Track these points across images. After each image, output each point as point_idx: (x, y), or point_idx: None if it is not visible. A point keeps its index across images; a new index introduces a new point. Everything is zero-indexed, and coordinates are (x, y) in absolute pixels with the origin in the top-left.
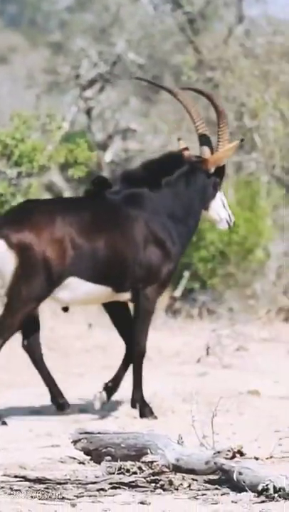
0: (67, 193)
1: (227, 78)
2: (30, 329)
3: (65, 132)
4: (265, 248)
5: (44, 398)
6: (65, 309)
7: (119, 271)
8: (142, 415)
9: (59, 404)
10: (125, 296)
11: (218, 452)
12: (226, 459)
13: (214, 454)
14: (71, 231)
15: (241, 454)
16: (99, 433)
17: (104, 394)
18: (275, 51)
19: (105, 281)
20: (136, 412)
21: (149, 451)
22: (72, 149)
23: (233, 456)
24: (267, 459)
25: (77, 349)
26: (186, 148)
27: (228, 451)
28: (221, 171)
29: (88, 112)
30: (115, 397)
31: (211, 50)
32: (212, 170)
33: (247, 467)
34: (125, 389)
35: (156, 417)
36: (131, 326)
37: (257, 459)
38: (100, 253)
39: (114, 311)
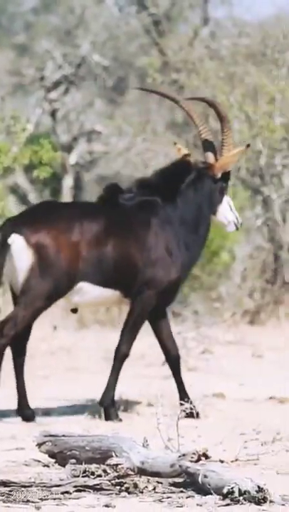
0: (32, 195)
1: (192, 80)
2: (24, 333)
3: (30, 134)
4: (231, 251)
5: (8, 401)
6: (74, 311)
7: (129, 277)
8: (107, 417)
9: (24, 415)
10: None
11: (184, 455)
12: (191, 461)
13: (179, 456)
14: (86, 236)
15: (206, 456)
16: (63, 436)
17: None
18: (240, 53)
19: (115, 286)
20: (102, 414)
21: (113, 454)
22: (37, 150)
23: (198, 459)
24: (232, 461)
25: (42, 351)
26: (188, 154)
27: (193, 454)
28: (226, 176)
29: (53, 113)
30: (80, 400)
31: (176, 52)
32: (219, 175)
33: (212, 470)
34: (90, 392)
35: (120, 420)
36: (170, 336)
37: (222, 461)
38: (111, 259)
39: (156, 320)
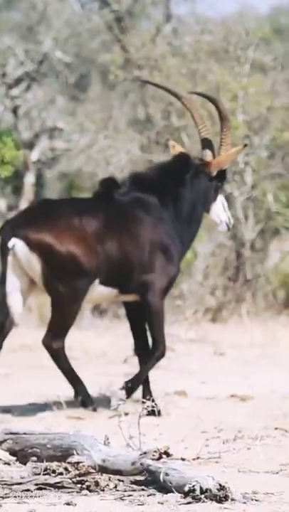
0: None
1: (154, 77)
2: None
3: None
4: (192, 248)
5: None
6: None
7: (127, 273)
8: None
9: None
10: (130, 297)
11: (145, 453)
12: (153, 459)
13: (141, 454)
14: (87, 233)
15: (168, 454)
16: (25, 433)
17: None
18: (202, 50)
19: (113, 283)
20: (63, 412)
21: (75, 452)
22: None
23: (160, 457)
24: (193, 459)
25: (3, 349)
26: (184, 152)
27: (155, 452)
28: (222, 175)
29: (15, 110)
30: (41, 398)
31: (139, 49)
32: (214, 173)
33: (173, 468)
34: (52, 389)
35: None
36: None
37: (183, 459)
38: (111, 255)
39: (137, 315)
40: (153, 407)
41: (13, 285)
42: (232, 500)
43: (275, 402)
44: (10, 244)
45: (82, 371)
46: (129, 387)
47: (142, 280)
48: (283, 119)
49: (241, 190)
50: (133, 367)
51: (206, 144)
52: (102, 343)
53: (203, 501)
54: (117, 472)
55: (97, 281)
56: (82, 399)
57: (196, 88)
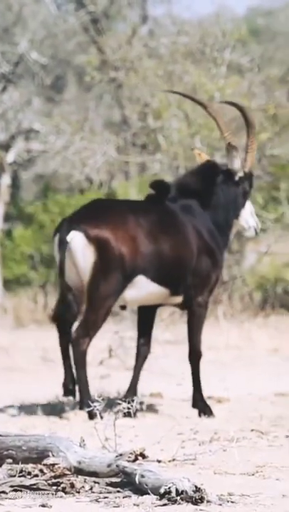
0: None
1: (131, 78)
2: None
3: None
4: None
5: None
6: (123, 307)
7: (178, 274)
8: (205, 414)
9: None
10: (177, 300)
11: (121, 455)
12: (128, 461)
13: (116, 456)
14: (141, 231)
15: (144, 456)
16: (0, 435)
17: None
18: (179, 51)
19: (165, 283)
20: (39, 414)
21: (50, 454)
22: None
23: (136, 459)
24: (169, 461)
25: None
26: (211, 159)
27: (131, 453)
28: (250, 181)
29: None
30: (17, 400)
31: (115, 50)
32: (241, 179)
33: (149, 470)
34: (28, 391)
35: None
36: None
37: (159, 461)
38: (163, 255)
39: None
40: (129, 408)
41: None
42: (208, 502)
43: (251, 404)
44: (68, 237)
45: (58, 373)
46: (197, 401)
47: (190, 283)
48: (260, 120)
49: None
50: (109, 369)
51: (232, 150)
52: None
53: (179, 503)
54: (93, 474)
55: (144, 277)
56: (83, 402)
57: (172, 89)
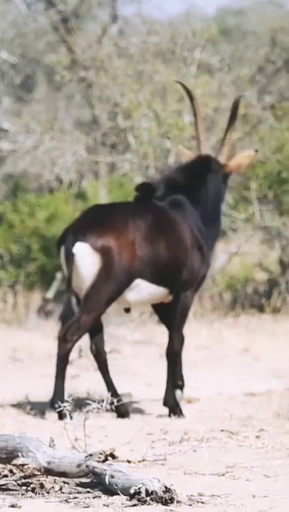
0: None
1: (101, 78)
2: None
3: None
4: None
5: None
6: (127, 310)
7: (176, 273)
8: (175, 415)
9: None
10: (170, 298)
11: (90, 455)
12: (98, 462)
13: (86, 457)
14: (139, 235)
15: (113, 457)
16: None
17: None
18: (149, 51)
19: (164, 283)
20: (8, 414)
21: (20, 454)
22: None
23: (105, 459)
24: (139, 462)
25: None
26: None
27: (100, 454)
28: (227, 178)
29: None
30: None
31: (85, 50)
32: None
33: (119, 470)
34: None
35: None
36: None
37: (129, 462)
38: (161, 256)
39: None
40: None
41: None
42: (178, 502)
43: (221, 403)
44: (74, 249)
45: (28, 373)
46: (168, 400)
47: (182, 280)
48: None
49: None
50: (78, 369)
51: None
52: (47, 345)
53: (149, 503)
54: (63, 474)
55: (144, 280)
56: (55, 401)
57: (143, 89)
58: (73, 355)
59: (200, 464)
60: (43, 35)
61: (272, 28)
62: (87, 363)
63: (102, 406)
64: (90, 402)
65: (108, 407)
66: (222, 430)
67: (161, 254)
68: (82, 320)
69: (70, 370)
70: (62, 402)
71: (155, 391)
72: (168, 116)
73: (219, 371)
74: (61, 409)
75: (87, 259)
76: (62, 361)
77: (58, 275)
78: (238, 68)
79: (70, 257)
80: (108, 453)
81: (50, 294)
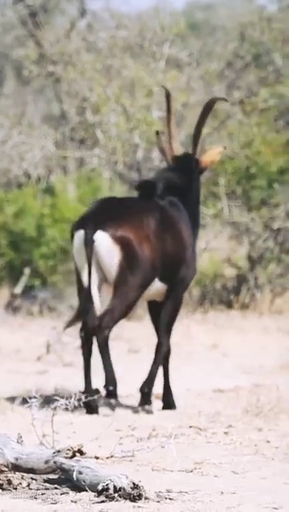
0: None
1: (69, 73)
2: None
3: None
4: None
5: None
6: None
7: (176, 271)
8: (141, 404)
9: None
10: (163, 295)
11: (58, 451)
12: (66, 458)
13: (54, 453)
14: (152, 229)
15: (81, 453)
16: None
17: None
18: (117, 45)
19: (166, 280)
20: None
21: None
22: None
23: (73, 456)
24: (107, 458)
25: None
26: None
27: (68, 450)
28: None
29: None
30: None
31: (53, 44)
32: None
33: (87, 466)
34: None
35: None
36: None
37: (97, 458)
38: (167, 253)
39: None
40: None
41: (94, 279)
42: (146, 499)
43: (189, 400)
44: (95, 237)
45: None
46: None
47: (179, 278)
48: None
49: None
50: (46, 364)
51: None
52: (15, 341)
53: (117, 500)
54: (30, 470)
55: (157, 277)
56: (110, 390)
57: (111, 84)
58: (41, 350)
59: (168, 461)
60: (11, 29)
61: (241, 23)
62: (55, 358)
63: (70, 402)
64: (57, 398)
65: (76, 403)
66: (190, 426)
67: (167, 250)
68: (116, 308)
69: (37, 366)
70: (116, 387)
71: (123, 387)
72: (136, 111)
73: (188, 367)
74: (113, 393)
75: (107, 249)
76: (105, 350)
77: (26, 270)
78: (206, 63)
79: (90, 244)
80: (76, 449)
81: (18, 290)
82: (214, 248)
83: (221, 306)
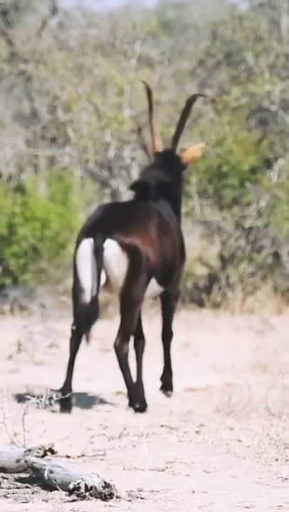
0: None
1: (40, 71)
2: None
3: None
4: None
5: None
6: None
7: (172, 273)
8: (165, 388)
9: None
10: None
11: (29, 450)
12: (37, 457)
13: (25, 452)
14: (154, 234)
15: (52, 452)
16: None
17: None
18: (89, 44)
19: (163, 282)
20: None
21: None
22: None
23: (45, 455)
24: (78, 457)
25: None
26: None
27: (40, 449)
28: None
29: None
30: None
31: (24, 43)
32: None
33: (58, 465)
34: None
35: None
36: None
37: (68, 457)
38: (165, 256)
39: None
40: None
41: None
42: (117, 497)
43: (160, 399)
44: (105, 245)
45: None
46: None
47: (176, 277)
48: (170, 114)
49: (128, 185)
50: (17, 363)
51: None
52: None
53: (88, 499)
54: (1, 469)
55: (153, 279)
56: (136, 405)
57: (82, 82)
58: (12, 349)
59: (139, 460)
60: None
61: (212, 21)
62: (26, 357)
63: (41, 401)
64: (29, 397)
65: (47, 402)
66: (162, 425)
67: (166, 254)
68: (127, 324)
69: (8, 365)
70: (142, 402)
71: (95, 386)
72: (108, 109)
73: (159, 366)
74: (141, 408)
75: (116, 257)
76: (126, 367)
77: None
78: (178, 62)
79: (100, 251)
80: (47, 448)
81: None
82: (186, 247)
83: (192, 305)
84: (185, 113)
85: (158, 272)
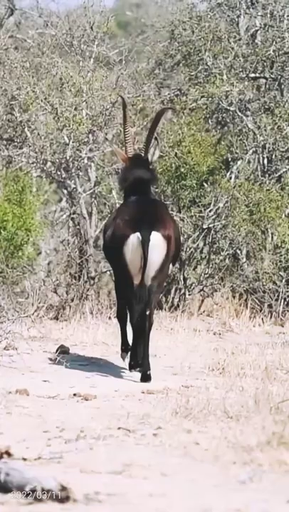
0: None
1: None
2: None
3: None
4: (35, 244)
5: None
6: None
7: (178, 253)
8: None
9: None
10: None
11: None
12: None
13: None
14: (172, 225)
15: (9, 454)
16: None
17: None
18: (46, 43)
19: (174, 263)
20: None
21: None
22: None
23: (1, 457)
24: (35, 460)
25: None
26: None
27: None
28: None
29: None
30: None
31: None
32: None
33: (14, 468)
34: None
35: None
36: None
37: (25, 459)
38: (172, 248)
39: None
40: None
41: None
42: (74, 501)
43: (118, 401)
44: (151, 237)
45: None
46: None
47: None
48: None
49: (85, 186)
50: None
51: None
52: None
53: (45, 502)
54: None
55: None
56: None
57: (40, 83)
58: None
59: (96, 462)
60: None
61: (171, 21)
62: None
63: None
64: None
65: (4, 403)
66: (119, 428)
67: (176, 242)
68: (157, 299)
69: None
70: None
71: (51, 388)
72: (65, 109)
73: (116, 368)
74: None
75: (159, 246)
76: (149, 334)
77: None
78: (136, 62)
79: (147, 242)
80: (3, 450)
81: None
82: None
83: None
84: (154, 124)
85: (175, 254)
